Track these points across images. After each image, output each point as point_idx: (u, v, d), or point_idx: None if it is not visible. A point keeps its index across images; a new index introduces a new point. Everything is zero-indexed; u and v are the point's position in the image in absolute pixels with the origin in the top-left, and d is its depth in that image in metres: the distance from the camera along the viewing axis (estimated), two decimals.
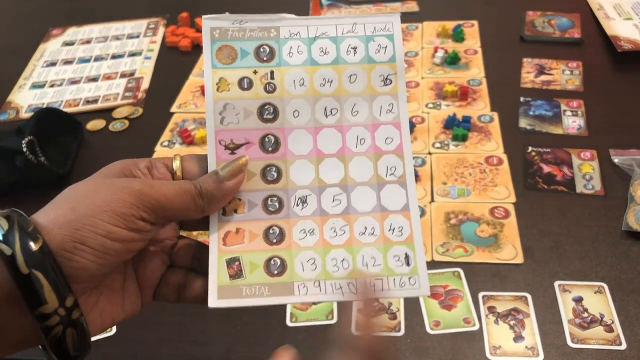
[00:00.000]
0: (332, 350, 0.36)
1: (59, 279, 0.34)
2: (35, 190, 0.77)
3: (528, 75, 0.95)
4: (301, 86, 0.43)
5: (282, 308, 0.63)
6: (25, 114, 0.97)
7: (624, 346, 0.57)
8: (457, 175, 0.78)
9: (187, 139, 0.88)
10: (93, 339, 0.37)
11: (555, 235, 0.69)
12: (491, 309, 0.62)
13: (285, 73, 0.44)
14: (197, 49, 1.10)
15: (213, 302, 0.40)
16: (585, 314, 0.60)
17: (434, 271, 0.66)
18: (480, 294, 0.63)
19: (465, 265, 0.66)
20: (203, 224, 0.42)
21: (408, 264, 0.41)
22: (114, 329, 0.63)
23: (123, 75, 1.05)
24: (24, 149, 0.77)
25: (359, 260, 0.41)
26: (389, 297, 0.56)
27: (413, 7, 1.16)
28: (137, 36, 1.16)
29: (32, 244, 0.34)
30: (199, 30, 1.13)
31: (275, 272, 0.41)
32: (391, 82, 0.44)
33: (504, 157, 0.80)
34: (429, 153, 0.81)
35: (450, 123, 0.85)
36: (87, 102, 0.99)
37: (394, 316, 0.62)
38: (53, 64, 1.10)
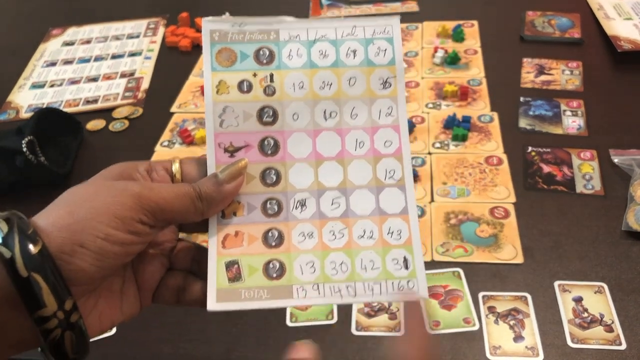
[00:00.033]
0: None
1: (58, 282, 0.34)
2: (35, 190, 0.77)
3: (528, 75, 0.95)
4: (301, 89, 0.43)
5: (282, 308, 0.63)
6: (25, 114, 0.97)
7: (624, 346, 0.57)
8: (457, 175, 0.78)
9: (187, 139, 0.87)
10: (92, 339, 0.37)
11: (555, 235, 0.69)
12: (491, 309, 0.62)
13: (284, 76, 0.44)
14: (197, 49, 1.10)
15: (212, 305, 0.40)
16: (585, 314, 0.61)
17: (434, 271, 0.66)
18: (480, 294, 0.63)
19: (465, 265, 0.66)
20: (202, 227, 0.42)
21: (407, 267, 0.41)
22: (114, 328, 0.63)
23: (123, 75, 1.05)
24: (24, 149, 0.77)
25: (358, 264, 0.41)
26: (388, 301, 0.56)
27: (413, 7, 1.16)
28: (137, 36, 1.16)
29: (31, 246, 0.34)
30: (199, 30, 1.13)
31: (274, 275, 0.41)
32: (390, 85, 0.44)
33: (504, 157, 0.80)
34: (429, 153, 0.81)
35: (450, 123, 0.85)
36: (87, 102, 0.99)
37: (394, 316, 0.62)
38: (53, 64, 1.10)
